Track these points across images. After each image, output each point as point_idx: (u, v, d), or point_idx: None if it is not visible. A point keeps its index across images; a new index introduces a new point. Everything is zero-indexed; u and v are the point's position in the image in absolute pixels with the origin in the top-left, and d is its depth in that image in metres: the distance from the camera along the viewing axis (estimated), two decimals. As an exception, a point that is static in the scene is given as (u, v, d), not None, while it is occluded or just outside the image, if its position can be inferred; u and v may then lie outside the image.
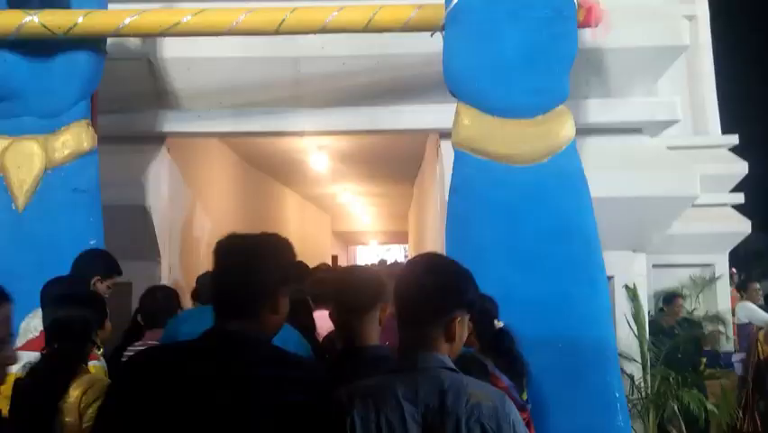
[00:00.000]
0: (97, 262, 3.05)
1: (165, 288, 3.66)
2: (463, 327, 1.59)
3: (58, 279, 2.65)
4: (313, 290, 3.71)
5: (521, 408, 2.30)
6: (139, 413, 1.36)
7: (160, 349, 1.76)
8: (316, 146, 7.18)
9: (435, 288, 1.56)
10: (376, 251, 21.90)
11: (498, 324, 2.57)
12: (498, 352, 2.44)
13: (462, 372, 1.58)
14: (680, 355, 4.53)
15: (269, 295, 1.49)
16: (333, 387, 1.55)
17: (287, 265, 1.56)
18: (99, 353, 2.55)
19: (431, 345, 1.55)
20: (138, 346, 3.01)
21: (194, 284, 4.93)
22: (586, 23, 3.09)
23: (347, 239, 20.32)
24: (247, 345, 1.44)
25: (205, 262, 5.70)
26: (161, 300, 3.38)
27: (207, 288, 2.95)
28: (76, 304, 2.36)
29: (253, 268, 1.49)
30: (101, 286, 3.03)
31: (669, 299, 5.66)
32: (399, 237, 17.54)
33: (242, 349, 1.43)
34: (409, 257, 13.06)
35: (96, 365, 2.41)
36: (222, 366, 1.39)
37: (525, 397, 2.57)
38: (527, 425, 2.25)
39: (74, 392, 2.09)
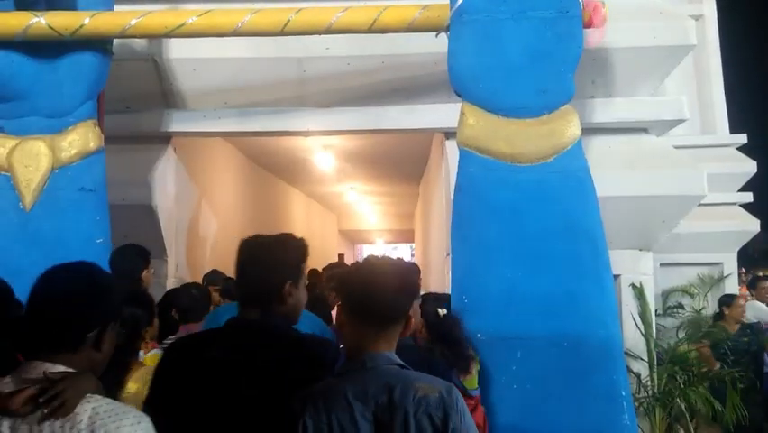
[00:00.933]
0: (137, 259, 3.46)
1: (199, 285, 3.97)
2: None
3: None
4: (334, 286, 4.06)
5: (462, 392, 2.39)
6: (179, 386, 1.64)
7: (193, 336, 2.04)
8: (322, 145, 7.19)
9: (399, 289, 1.66)
10: (382, 250, 21.91)
11: (442, 311, 2.82)
12: (443, 337, 2.71)
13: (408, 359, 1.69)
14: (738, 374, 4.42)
15: (276, 288, 1.75)
16: None
17: (291, 263, 1.81)
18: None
19: (382, 344, 1.63)
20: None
21: (200, 282, 4.98)
22: (591, 24, 3.07)
23: (353, 238, 20.34)
24: (262, 330, 1.72)
25: (211, 260, 5.72)
26: (197, 297, 3.61)
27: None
28: (128, 303, 2.53)
29: (262, 266, 1.78)
30: (147, 275, 3.48)
31: (728, 301, 5.45)
32: (406, 236, 17.54)
33: (258, 333, 1.71)
34: (416, 256, 13.07)
35: (157, 354, 2.66)
36: (242, 347, 1.67)
37: (475, 380, 2.71)
38: (473, 411, 2.38)
39: (134, 385, 2.22)
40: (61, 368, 1.35)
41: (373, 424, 1.54)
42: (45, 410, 1.29)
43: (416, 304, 2.61)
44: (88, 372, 1.40)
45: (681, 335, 5.96)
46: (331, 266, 5.19)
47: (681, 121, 4.29)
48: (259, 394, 1.58)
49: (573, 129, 3.04)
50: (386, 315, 1.63)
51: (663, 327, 5.57)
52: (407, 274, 1.72)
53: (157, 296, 4.60)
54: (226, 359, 1.63)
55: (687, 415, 4.23)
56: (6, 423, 1.30)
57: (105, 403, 1.34)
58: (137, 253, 3.50)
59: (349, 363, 1.64)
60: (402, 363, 1.64)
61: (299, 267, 1.82)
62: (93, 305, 1.43)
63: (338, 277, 3.63)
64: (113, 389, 2.16)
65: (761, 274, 8.20)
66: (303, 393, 1.59)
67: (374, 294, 1.63)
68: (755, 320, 6.01)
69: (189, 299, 3.53)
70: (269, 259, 1.78)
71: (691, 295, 6.29)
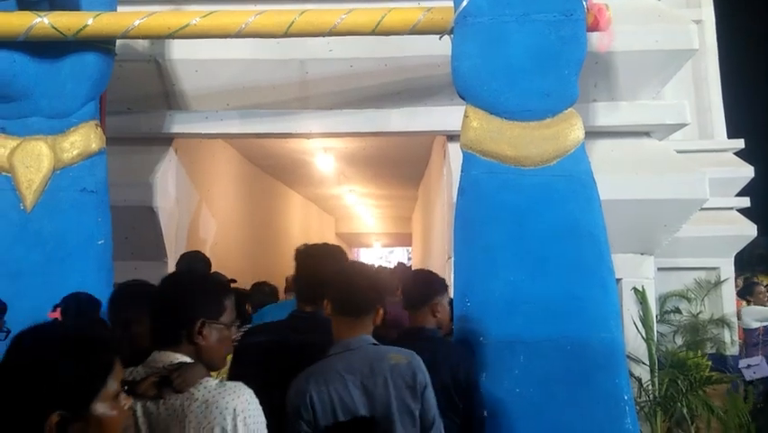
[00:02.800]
0: (201, 264, 3.94)
1: (270, 284, 4.61)
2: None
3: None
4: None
5: None
6: (252, 361, 2.13)
7: (265, 325, 2.59)
8: (322, 148, 7.18)
9: (368, 289, 2.14)
10: (379, 253, 21.90)
11: None
12: None
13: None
14: None
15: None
16: None
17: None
18: None
19: (360, 330, 2.10)
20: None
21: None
22: (595, 27, 3.08)
23: (351, 241, 20.30)
24: (315, 320, 2.25)
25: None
26: (269, 293, 4.31)
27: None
28: None
29: (318, 270, 2.27)
30: None
31: (750, 290, 5.51)
32: (403, 239, 17.51)
33: (313, 322, 2.26)
34: (414, 259, 13.07)
35: None
36: (301, 333, 2.24)
37: None
38: None
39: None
40: (179, 357, 1.66)
41: (362, 390, 2.00)
42: (165, 391, 1.60)
43: (444, 300, 2.88)
44: (199, 362, 1.67)
45: (679, 339, 5.98)
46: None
47: (682, 125, 4.31)
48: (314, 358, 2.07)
49: (577, 132, 3.04)
50: (360, 309, 2.10)
51: (662, 330, 5.57)
52: (375, 278, 2.22)
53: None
54: (294, 339, 2.19)
55: (689, 420, 4.23)
56: (140, 404, 1.61)
57: (214, 383, 1.63)
58: (201, 259, 4.01)
59: (337, 346, 2.08)
60: (376, 341, 2.11)
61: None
62: (190, 305, 1.70)
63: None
64: None
65: (755, 280, 8.22)
66: (305, 372, 2.03)
67: (350, 294, 2.10)
68: (756, 325, 6.01)
69: (262, 295, 4.19)
70: (323, 263, 2.28)
71: (688, 300, 6.31)
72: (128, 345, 2.02)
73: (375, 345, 2.09)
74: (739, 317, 6.35)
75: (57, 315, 2.61)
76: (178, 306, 1.70)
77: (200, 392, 1.59)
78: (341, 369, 2.00)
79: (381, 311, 2.15)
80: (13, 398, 1.10)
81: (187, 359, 1.65)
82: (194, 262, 3.93)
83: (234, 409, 1.55)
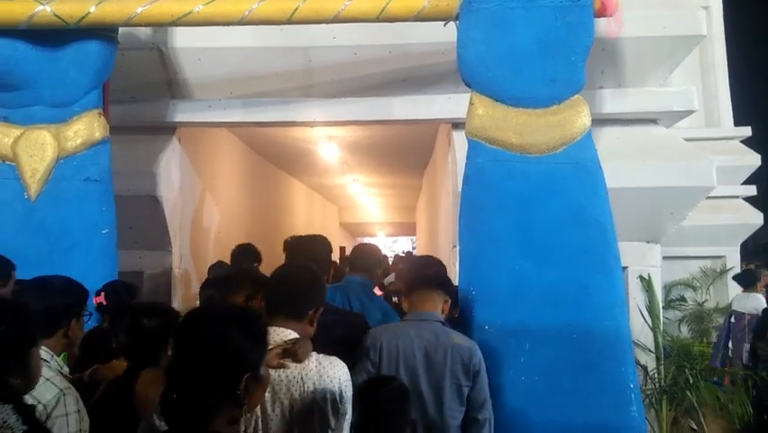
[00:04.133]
0: (255, 256, 4.21)
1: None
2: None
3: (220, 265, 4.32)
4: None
5: None
6: None
7: None
8: (326, 136, 7.15)
9: (438, 272, 2.75)
10: (383, 242, 21.92)
11: None
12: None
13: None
14: None
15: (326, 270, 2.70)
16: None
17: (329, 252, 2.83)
18: None
19: (431, 305, 2.55)
20: None
21: (205, 273, 4.99)
22: (602, 13, 3.05)
23: (354, 231, 20.32)
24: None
25: (214, 252, 5.71)
26: None
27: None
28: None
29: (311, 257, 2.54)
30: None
31: (757, 275, 5.49)
32: (406, 229, 17.52)
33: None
34: (418, 248, 13.11)
35: None
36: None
37: None
38: None
39: None
40: (294, 334, 1.95)
41: (424, 353, 2.40)
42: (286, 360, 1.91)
43: None
44: (308, 339, 1.99)
45: (684, 328, 5.96)
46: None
47: (689, 112, 4.27)
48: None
49: (583, 119, 3.01)
50: (432, 286, 2.59)
51: (667, 319, 5.55)
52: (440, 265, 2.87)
53: (165, 289, 4.61)
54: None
55: (698, 408, 4.22)
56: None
57: (322, 357, 1.97)
58: (253, 252, 4.25)
59: (412, 314, 2.55)
60: (443, 320, 2.54)
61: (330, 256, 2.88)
62: (313, 291, 2.06)
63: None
64: None
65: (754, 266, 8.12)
66: (379, 328, 2.55)
67: (419, 277, 2.66)
68: (755, 311, 5.96)
69: None
70: (316, 251, 2.69)
71: (694, 288, 6.28)
72: None
73: (443, 323, 2.51)
74: (735, 303, 6.26)
75: (101, 299, 2.87)
76: (311, 291, 2.06)
77: (312, 364, 1.94)
78: (411, 331, 2.44)
79: (449, 300, 2.62)
80: (216, 366, 1.36)
81: (297, 335, 1.96)
82: (245, 258, 4.18)
83: (340, 378, 1.95)
